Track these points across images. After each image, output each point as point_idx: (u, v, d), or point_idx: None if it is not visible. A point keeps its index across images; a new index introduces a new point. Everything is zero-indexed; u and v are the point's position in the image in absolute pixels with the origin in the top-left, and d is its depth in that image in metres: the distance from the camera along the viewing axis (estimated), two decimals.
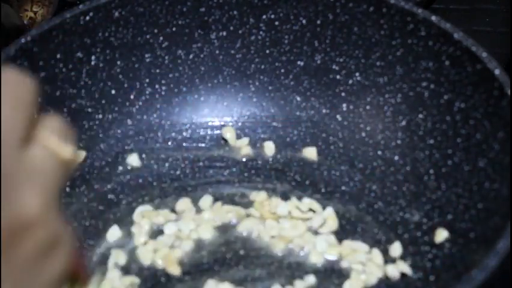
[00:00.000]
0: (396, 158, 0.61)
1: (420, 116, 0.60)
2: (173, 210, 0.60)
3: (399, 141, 0.61)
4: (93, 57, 0.61)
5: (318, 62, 0.64)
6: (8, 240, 0.26)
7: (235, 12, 0.63)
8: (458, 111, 0.57)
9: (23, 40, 0.57)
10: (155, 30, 0.63)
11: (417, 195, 0.59)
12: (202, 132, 0.65)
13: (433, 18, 0.57)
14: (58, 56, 0.59)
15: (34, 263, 0.28)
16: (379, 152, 0.62)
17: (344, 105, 0.64)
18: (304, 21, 0.63)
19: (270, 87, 0.65)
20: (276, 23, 0.63)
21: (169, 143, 0.64)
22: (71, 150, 0.30)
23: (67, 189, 0.60)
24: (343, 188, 0.61)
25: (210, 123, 0.65)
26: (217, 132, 0.65)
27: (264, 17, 0.63)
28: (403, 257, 0.56)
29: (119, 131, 0.63)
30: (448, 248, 0.54)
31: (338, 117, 0.64)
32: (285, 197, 0.60)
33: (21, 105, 0.28)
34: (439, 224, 0.56)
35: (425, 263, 0.55)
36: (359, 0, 0.61)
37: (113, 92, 0.63)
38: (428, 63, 0.59)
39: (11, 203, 0.27)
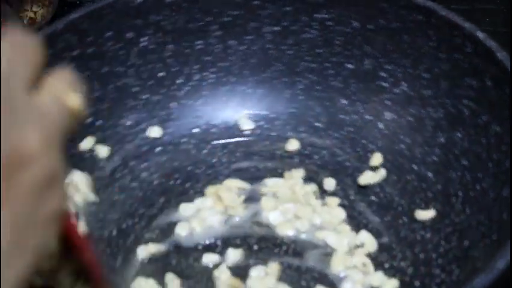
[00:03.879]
0: (429, 174, 0.59)
1: (459, 134, 0.57)
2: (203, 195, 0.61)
3: (435, 158, 0.59)
4: (144, 39, 0.63)
5: (367, 66, 0.62)
6: (6, 170, 0.27)
7: (288, 8, 0.63)
8: (494, 134, 0.54)
9: (72, 16, 0.59)
10: (208, 19, 0.64)
11: (442, 215, 0.56)
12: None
13: (479, 34, 0.55)
14: (108, 34, 0.61)
15: (32, 197, 0.28)
16: (414, 166, 0.60)
17: (387, 113, 0.62)
18: (355, 24, 0.62)
19: (317, 87, 0.65)
20: (328, 23, 0.63)
21: (211, 130, 0.65)
22: (79, 100, 0.30)
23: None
24: (372, 197, 0.60)
25: (254, 115, 0.66)
26: (260, 124, 0.65)
27: (317, 15, 0.63)
28: (413, 277, 0.54)
29: (162, 113, 0.65)
30: (456, 275, 0.52)
31: (380, 125, 0.62)
32: None
33: (26, 51, 0.29)
34: (455, 248, 0.54)
35: (432, 286, 0.53)
36: (410, 8, 0.59)
37: (161, 74, 0.64)
38: (471, 81, 0.56)
39: (12, 136, 0.27)
